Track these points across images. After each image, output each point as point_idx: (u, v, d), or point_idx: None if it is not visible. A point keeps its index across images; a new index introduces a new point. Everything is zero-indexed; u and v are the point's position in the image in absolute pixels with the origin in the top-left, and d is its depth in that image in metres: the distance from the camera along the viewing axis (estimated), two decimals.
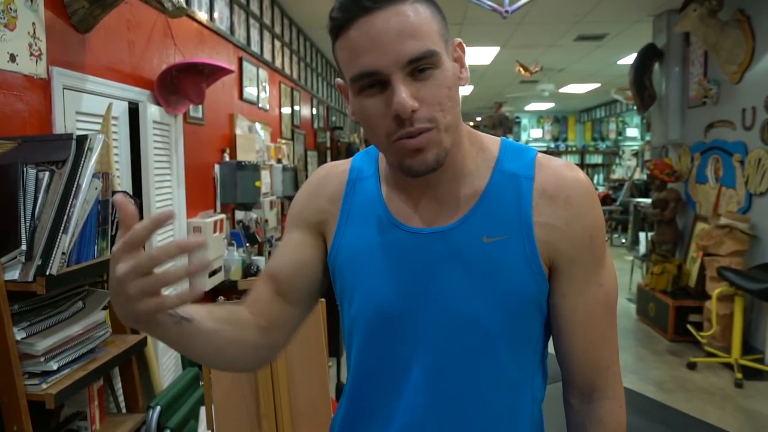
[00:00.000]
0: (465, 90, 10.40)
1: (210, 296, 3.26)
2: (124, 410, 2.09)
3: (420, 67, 0.71)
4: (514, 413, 0.82)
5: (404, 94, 0.70)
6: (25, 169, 1.55)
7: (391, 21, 0.69)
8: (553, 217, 0.78)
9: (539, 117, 15.46)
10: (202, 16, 3.32)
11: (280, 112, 5.12)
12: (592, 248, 0.80)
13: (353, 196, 0.87)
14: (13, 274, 1.50)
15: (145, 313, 0.63)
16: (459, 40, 0.79)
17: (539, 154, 0.83)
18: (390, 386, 0.82)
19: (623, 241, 9.27)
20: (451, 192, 0.81)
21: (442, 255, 0.79)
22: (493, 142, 0.85)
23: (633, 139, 12.96)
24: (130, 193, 2.15)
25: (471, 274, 0.78)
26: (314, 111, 6.70)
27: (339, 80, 0.81)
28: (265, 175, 4.23)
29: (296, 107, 5.69)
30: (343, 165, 0.91)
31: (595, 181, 14.45)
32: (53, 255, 1.52)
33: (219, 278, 3.35)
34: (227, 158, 3.68)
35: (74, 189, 1.59)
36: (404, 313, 0.80)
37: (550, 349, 0.86)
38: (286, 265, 0.88)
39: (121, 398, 2.11)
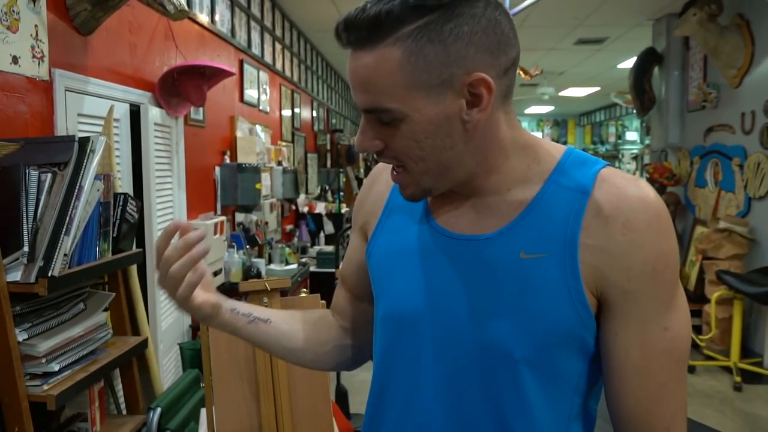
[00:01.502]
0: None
1: None
2: (124, 412, 2.09)
3: (378, 118, 0.69)
4: None
5: (360, 136, 0.71)
6: (27, 170, 1.56)
7: (355, 65, 0.68)
8: (605, 240, 0.68)
9: (539, 120, 15.47)
10: (204, 18, 3.33)
11: (281, 115, 5.13)
12: (654, 284, 0.68)
13: (398, 196, 0.82)
14: (15, 276, 1.50)
15: (182, 300, 0.77)
16: (482, 75, 0.66)
17: (607, 168, 0.72)
18: (406, 396, 0.78)
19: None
20: (495, 201, 0.74)
21: (475, 265, 0.73)
22: (555, 150, 0.76)
23: (632, 142, 12.97)
24: (132, 195, 2.15)
25: (502, 291, 0.71)
26: (314, 113, 6.70)
27: None
28: (265, 177, 4.24)
29: (296, 110, 5.70)
30: None
31: None
32: (55, 256, 1.53)
33: (219, 280, 3.35)
34: (228, 160, 3.69)
35: (76, 191, 1.60)
36: (427, 321, 0.76)
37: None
38: (350, 267, 0.94)
39: (121, 400, 2.11)
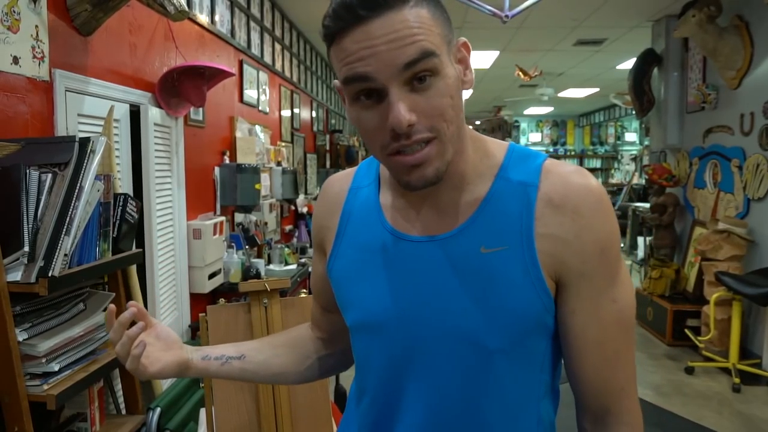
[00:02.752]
0: (464, 93, 10.38)
1: (210, 298, 3.27)
2: (124, 412, 2.09)
3: (418, 74, 0.66)
4: None
5: (401, 108, 0.66)
6: (27, 171, 1.56)
7: (387, 27, 0.65)
8: (559, 228, 0.72)
9: (538, 121, 15.48)
10: (203, 19, 3.34)
11: (280, 115, 5.13)
12: (603, 262, 0.74)
13: (352, 207, 0.85)
14: (16, 276, 1.50)
15: (134, 371, 0.83)
16: (464, 39, 0.74)
17: (548, 160, 0.77)
18: (387, 401, 0.80)
19: (622, 245, 9.26)
20: (451, 200, 0.77)
21: (438, 265, 0.75)
22: (499, 147, 0.80)
23: (631, 143, 12.99)
24: (131, 195, 2.15)
25: (468, 287, 0.74)
26: (314, 114, 6.71)
27: (336, 82, 0.79)
28: (264, 177, 4.24)
29: (296, 110, 5.70)
30: (347, 176, 0.90)
31: None
32: (55, 256, 1.53)
33: (219, 280, 3.36)
34: (227, 161, 3.69)
35: (76, 191, 1.60)
36: (398, 325, 0.77)
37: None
38: (314, 283, 0.98)
39: (121, 400, 2.11)
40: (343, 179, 0.90)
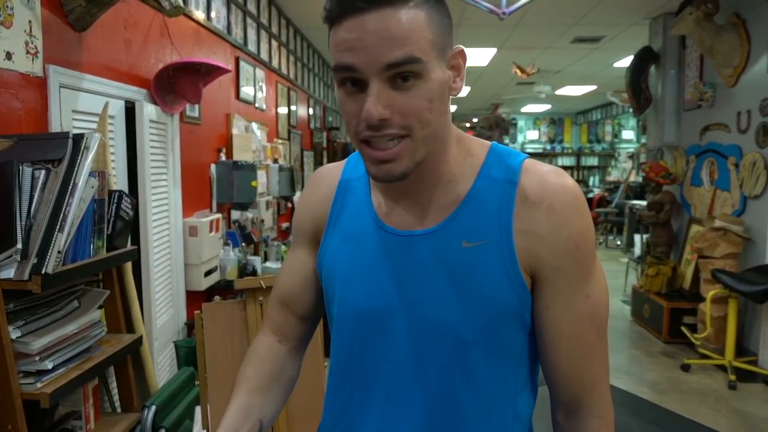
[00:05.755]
0: (462, 91, 10.38)
1: (206, 295, 3.26)
2: (119, 410, 2.09)
3: (401, 74, 0.68)
4: (492, 429, 0.79)
5: (374, 102, 0.68)
6: (21, 167, 1.55)
7: (381, 24, 0.67)
8: (534, 224, 0.75)
9: (535, 119, 15.49)
10: (200, 15, 3.32)
11: (277, 112, 5.12)
12: (577, 258, 0.76)
13: (343, 200, 0.87)
14: (9, 273, 1.49)
15: None
16: (461, 47, 0.76)
17: (528, 159, 0.80)
18: (363, 391, 0.82)
19: (618, 243, 9.29)
20: (435, 197, 0.79)
21: (422, 259, 0.78)
22: (481, 146, 0.83)
23: (629, 141, 13.01)
24: (126, 192, 2.14)
25: (448, 280, 0.76)
26: (311, 111, 6.69)
27: None
28: (261, 175, 4.23)
29: (293, 107, 5.69)
30: (337, 168, 0.91)
31: (590, 183, 14.50)
32: (49, 254, 1.52)
33: (215, 278, 3.35)
34: (223, 158, 3.68)
35: (70, 187, 1.59)
36: (379, 316, 0.79)
37: None
38: (290, 287, 0.94)
39: (116, 397, 2.10)
40: (332, 171, 0.91)
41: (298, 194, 5.57)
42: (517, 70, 7.38)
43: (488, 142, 0.84)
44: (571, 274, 0.76)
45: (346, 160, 0.92)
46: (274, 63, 5.03)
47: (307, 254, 0.92)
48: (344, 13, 0.68)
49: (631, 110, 6.05)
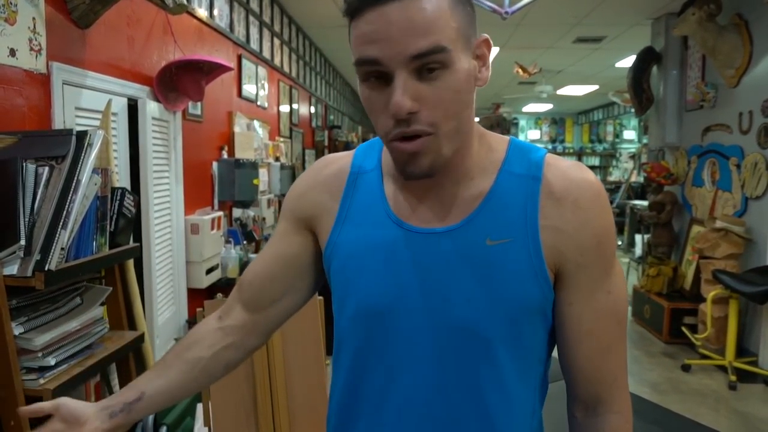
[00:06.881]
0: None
1: (207, 293, 3.26)
2: None
3: (428, 65, 0.66)
4: (513, 427, 0.78)
5: (402, 94, 0.66)
6: (24, 164, 1.55)
7: (404, 14, 0.65)
8: (560, 220, 0.74)
9: (537, 118, 15.48)
10: (202, 13, 3.32)
11: (279, 111, 5.12)
12: (600, 254, 0.75)
13: (354, 192, 0.83)
14: (12, 269, 1.49)
15: None
16: (486, 36, 0.75)
17: (548, 154, 0.79)
18: (383, 391, 0.79)
19: (619, 243, 9.29)
20: (456, 193, 0.77)
21: (444, 256, 0.75)
22: (500, 141, 0.81)
23: (630, 141, 12.99)
24: (129, 189, 2.15)
25: (472, 278, 0.74)
26: (312, 110, 6.69)
27: None
28: (262, 173, 4.23)
29: (294, 105, 5.69)
30: (345, 158, 0.87)
31: None
32: (52, 250, 1.52)
33: (216, 275, 3.35)
34: (225, 156, 3.68)
35: (74, 184, 1.59)
36: (399, 315, 0.77)
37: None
38: (259, 274, 0.90)
39: None
40: (341, 160, 0.87)
41: None
42: (519, 70, 7.37)
43: (506, 137, 0.82)
44: (594, 270, 0.76)
45: (353, 151, 0.88)
46: (276, 61, 5.03)
47: (291, 234, 0.87)
48: (365, 4, 0.66)
49: (632, 110, 6.05)
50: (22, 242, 1.49)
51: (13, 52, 1.77)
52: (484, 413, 0.76)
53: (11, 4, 1.75)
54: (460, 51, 0.69)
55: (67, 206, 1.57)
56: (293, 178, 4.97)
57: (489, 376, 0.76)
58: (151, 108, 2.67)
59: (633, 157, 12.04)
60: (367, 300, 0.79)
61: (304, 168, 6.06)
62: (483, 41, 0.74)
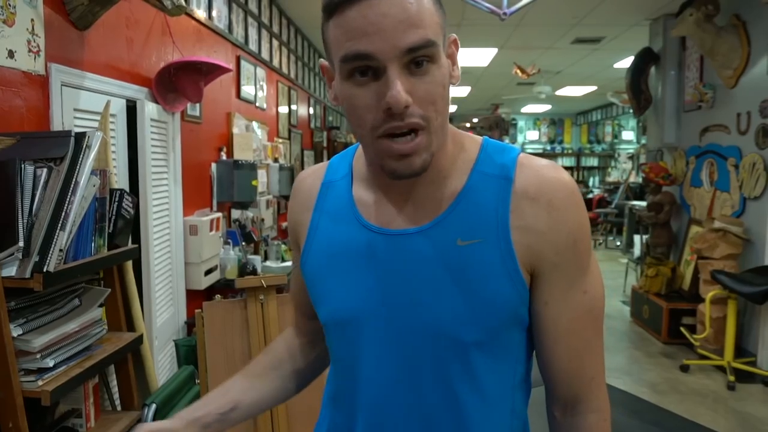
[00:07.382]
0: (462, 91, 10.41)
1: (206, 294, 3.26)
2: (119, 408, 2.09)
3: (417, 59, 0.66)
4: (490, 427, 0.78)
5: (400, 87, 0.65)
6: (23, 165, 1.55)
7: (395, 7, 0.65)
8: (534, 220, 0.73)
9: (536, 119, 15.49)
10: (201, 14, 3.32)
11: (278, 112, 5.12)
12: (576, 253, 0.75)
13: (325, 200, 0.83)
14: (10, 271, 1.50)
15: None
16: (454, 36, 0.75)
17: (522, 154, 0.78)
18: (359, 394, 0.80)
19: (618, 243, 9.30)
20: (428, 193, 0.76)
21: (413, 258, 0.74)
22: (473, 141, 0.80)
23: (629, 142, 13.01)
24: (128, 190, 2.15)
25: (443, 280, 0.73)
26: (311, 110, 6.70)
27: (323, 61, 0.76)
28: (261, 174, 4.23)
29: (293, 106, 5.69)
30: (319, 170, 0.88)
31: (590, 183, 14.50)
32: (50, 252, 1.52)
33: (215, 277, 3.35)
34: (224, 157, 3.68)
35: (72, 186, 1.59)
36: (364, 322, 0.77)
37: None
38: (295, 290, 0.96)
39: (116, 396, 2.11)
40: (315, 173, 0.88)
41: None
42: (518, 71, 7.38)
43: (480, 137, 0.82)
44: (570, 269, 0.75)
45: (328, 162, 0.89)
46: (275, 62, 5.03)
47: (297, 257, 0.90)
48: None
49: (631, 111, 6.06)
50: (21, 244, 1.49)
51: (11, 54, 1.77)
52: (458, 415, 0.76)
53: (10, 5, 1.75)
54: (441, 47, 0.70)
55: (65, 207, 1.57)
56: (292, 179, 4.97)
57: (464, 379, 0.75)
58: (149, 109, 2.67)
59: (631, 157, 12.06)
60: (334, 310, 0.80)
61: (303, 169, 6.06)
62: (452, 41, 0.75)
